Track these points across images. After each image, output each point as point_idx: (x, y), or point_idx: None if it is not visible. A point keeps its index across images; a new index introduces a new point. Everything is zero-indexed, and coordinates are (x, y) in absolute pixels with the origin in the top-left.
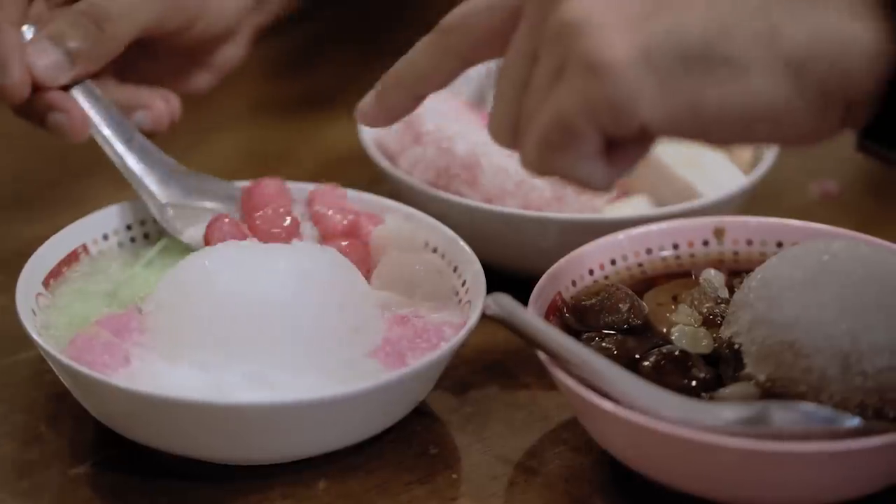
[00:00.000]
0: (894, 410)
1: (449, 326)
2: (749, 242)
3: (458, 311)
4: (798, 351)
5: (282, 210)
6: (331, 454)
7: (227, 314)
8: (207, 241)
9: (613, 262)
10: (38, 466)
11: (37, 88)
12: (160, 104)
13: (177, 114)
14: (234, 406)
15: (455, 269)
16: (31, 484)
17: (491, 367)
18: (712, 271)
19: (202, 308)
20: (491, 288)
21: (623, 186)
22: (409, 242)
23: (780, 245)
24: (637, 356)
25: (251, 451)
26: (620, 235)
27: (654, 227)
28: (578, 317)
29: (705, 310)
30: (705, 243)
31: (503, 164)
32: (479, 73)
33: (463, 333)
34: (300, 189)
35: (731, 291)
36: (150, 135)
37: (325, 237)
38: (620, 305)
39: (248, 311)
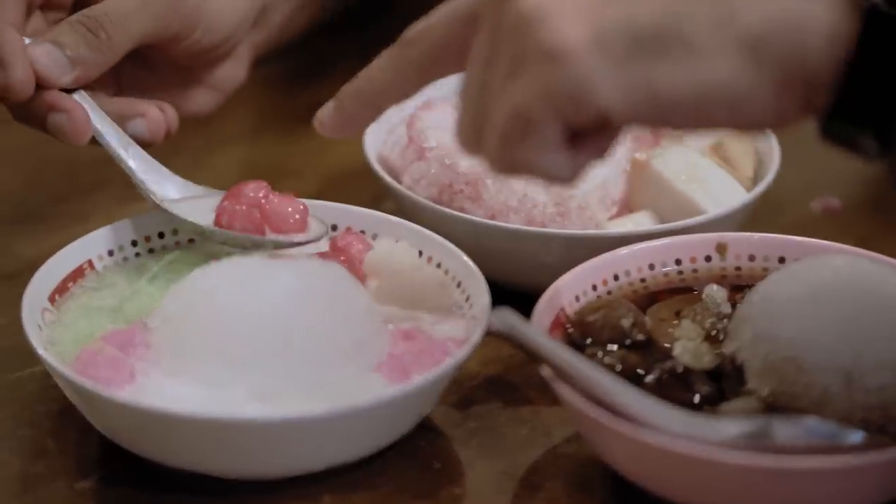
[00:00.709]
0: None
1: (453, 342)
2: (751, 258)
3: (462, 326)
4: (800, 366)
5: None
6: (335, 469)
7: (231, 329)
8: (219, 218)
9: (616, 278)
10: (43, 481)
11: (38, 89)
12: (156, 112)
13: (174, 125)
14: (238, 421)
15: (459, 285)
16: (36, 498)
17: (495, 381)
18: (715, 287)
19: (207, 323)
20: (495, 303)
21: (625, 202)
22: (404, 260)
23: (782, 261)
24: (640, 371)
25: (256, 465)
26: (623, 251)
27: (656, 242)
28: (582, 332)
29: (708, 325)
30: (708, 259)
31: (506, 180)
32: None
33: (467, 349)
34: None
35: (734, 307)
36: (146, 145)
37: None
38: (623, 321)
39: (253, 325)
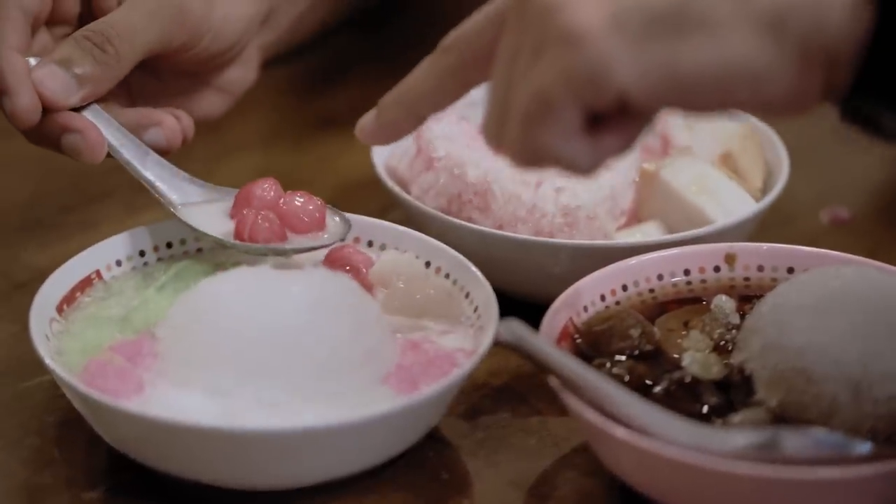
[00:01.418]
0: None
1: (461, 352)
2: (760, 268)
3: (470, 337)
4: (809, 377)
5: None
6: (343, 480)
7: (239, 339)
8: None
9: (625, 288)
10: (51, 491)
11: (47, 112)
12: (171, 121)
13: (189, 132)
14: (246, 432)
15: (467, 295)
16: None
17: (503, 392)
18: (723, 297)
19: (215, 333)
20: (503, 313)
21: (634, 213)
22: (411, 270)
23: (791, 271)
24: (648, 382)
25: (264, 476)
26: (632, 261)
27: (665, 253)
28: (590, 342)
29: (716, 335)
30: (716, 269)
31: (515, 190)
32: None
33: (475, 359)
34: None
35: (743, 317)
36: (164, 153)
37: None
38: (632, 331)
39: (261, 336)
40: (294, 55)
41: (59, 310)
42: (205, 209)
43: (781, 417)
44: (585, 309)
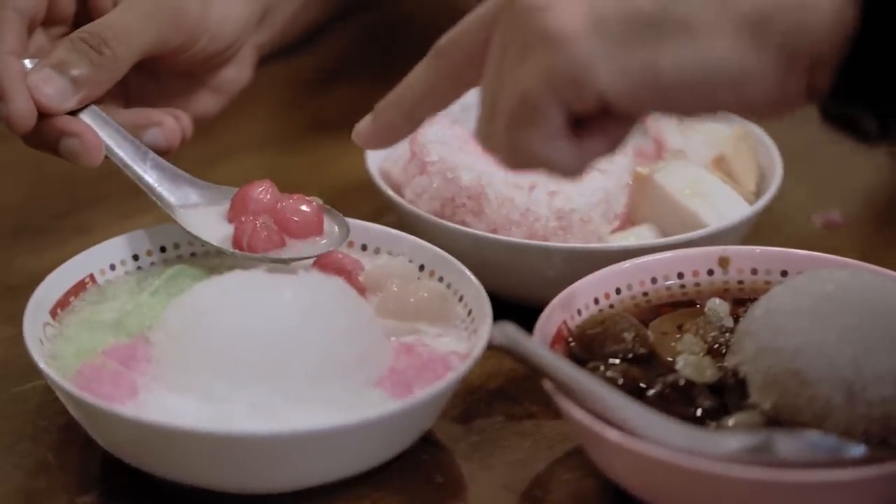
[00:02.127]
0: None
1: (455, 355)
2: (754, 271)
3: (463, 340)
4: (803, 379)
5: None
6: (337, 483)
7: (233, 344)
8: (238, 239)
9: (618, 292)
10: (45, 496)
11: (44, 116)
12: (171, 121)
13: (188, 132)
14: (240, 436)
15: (461, 299)
16: None
17: (497, 395)
18: (717, 300)
19: (209, 337)
20: (496, 316)
21: (627, 216)
22: (404, 273)
23: (784, 274)
24: (642, 385)
25: (258, 480)
26: (625, 265)
27: (658, 256)
28: (584, 346)
29: (710, 339)
30: (710, 272)
31: (508, 193)
32: None
33: (469, 363)
34: None
35: (736, 320)
36: (163, 153)
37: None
38: (625, 334)
39: (255, 340)
40: (285, 55)
41: (53, 314)
42: (202, 212)
43: (775, 420)
44: (579, 312)
